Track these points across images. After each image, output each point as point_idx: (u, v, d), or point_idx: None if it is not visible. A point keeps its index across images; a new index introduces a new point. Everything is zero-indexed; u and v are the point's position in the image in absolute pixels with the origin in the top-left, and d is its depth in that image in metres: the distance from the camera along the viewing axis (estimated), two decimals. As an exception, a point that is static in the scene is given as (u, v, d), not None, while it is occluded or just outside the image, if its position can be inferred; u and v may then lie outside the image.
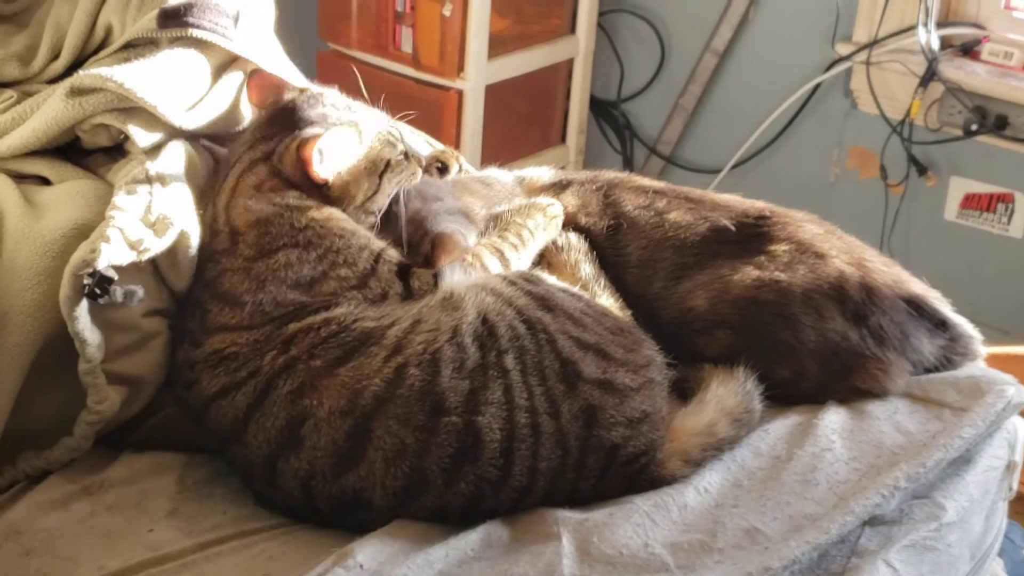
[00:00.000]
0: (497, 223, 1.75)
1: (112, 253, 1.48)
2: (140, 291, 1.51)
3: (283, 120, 1.66)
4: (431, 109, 3.47)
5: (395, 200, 1.69)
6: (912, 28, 3.21)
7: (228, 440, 1.53)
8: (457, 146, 3.47)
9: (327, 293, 1.55)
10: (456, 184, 1.84)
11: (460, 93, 3.47)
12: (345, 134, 1.63)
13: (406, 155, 1.70)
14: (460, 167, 1.93)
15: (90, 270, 1.46)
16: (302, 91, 1.72)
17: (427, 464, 1.44)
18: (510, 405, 1.47)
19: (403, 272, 1.60)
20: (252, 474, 1.53)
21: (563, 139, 3.90)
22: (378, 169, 1.67)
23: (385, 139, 1.68)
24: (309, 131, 1.63)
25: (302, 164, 1.60)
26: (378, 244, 1.61)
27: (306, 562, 1.40)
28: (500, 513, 1.48)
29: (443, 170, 1.90)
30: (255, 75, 1.75)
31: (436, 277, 1.60)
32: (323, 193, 1.62)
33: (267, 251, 1.56)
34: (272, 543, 1.48)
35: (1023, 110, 3.16)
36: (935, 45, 3.19)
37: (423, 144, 2.18)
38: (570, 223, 1.80)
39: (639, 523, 1.46)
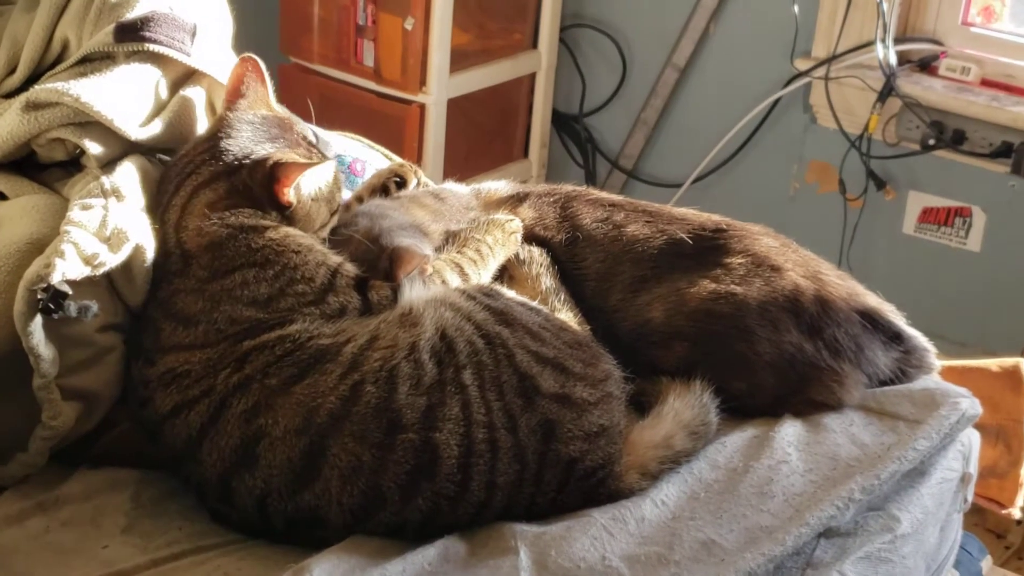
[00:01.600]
0: (456, 240, 1.74)
1: (67, 268, 1.47)
2: (95, 306, 1.50)
3: (245, 136, 1.64)
4: (393, 123, 3.47)
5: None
6: (870, 44, 3.24)
7: (182, 458, 1.52)
8: (419, 160, 3.47)
9: (284, 309, 1.53)
10: (407, 199, 1.83)
11: (422, 107, 3.48)
12: (328, 168, 1.65)
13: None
14: (419, 181, 1.93)
15: (44, 285, 1.45)
16: (270, 111, 1.71)
17: (383, 481, 1.44)
18: (468, 421, 1.46)
19: (361, 286, 1.59)
20: (207, 492, 1.52)
21: (525, 153, 3.91)
22: (332, 207, 1.68)
23: (341, 180, 1.71)
24: (287, 152, 1.63)
25: (275, 183, 1.59)
26: (335, 259, 1.60)
27: (262, 578, 1.40)
28: (458, 528, 1.48)
29: (401, 184, 1.90)
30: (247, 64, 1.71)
31: (395, 291, 1.59)
32: (282, 214, 1.61)
33: (222, 272, 1.54)
34: (228, 559, 1.47)
35: (980, 125, 3.19)
36: (893, 60, 3.21)
37: (381, 158, 2.18)
38: (527, 236, 1.80)
39: (597, 536, 1.46)
